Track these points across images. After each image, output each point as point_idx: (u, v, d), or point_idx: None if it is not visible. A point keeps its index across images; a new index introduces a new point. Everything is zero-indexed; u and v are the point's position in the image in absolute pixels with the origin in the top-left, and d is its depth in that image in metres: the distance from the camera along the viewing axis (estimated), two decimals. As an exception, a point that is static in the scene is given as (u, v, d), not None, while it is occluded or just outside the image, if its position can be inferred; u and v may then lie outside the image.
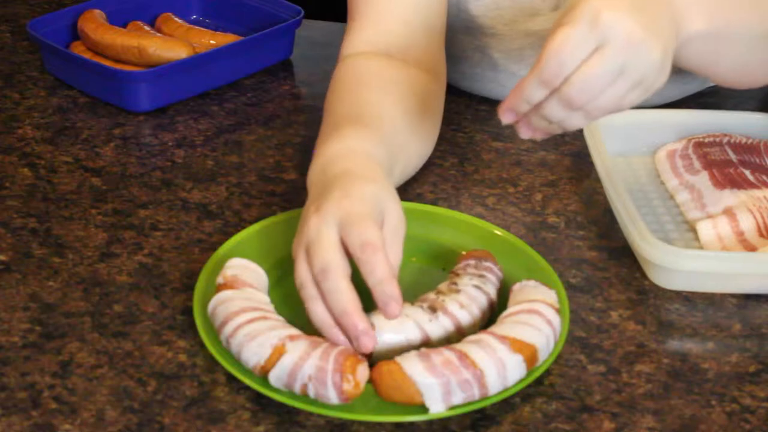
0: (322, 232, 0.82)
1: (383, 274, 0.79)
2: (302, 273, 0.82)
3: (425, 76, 1.09)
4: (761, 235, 0.98)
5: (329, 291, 0.80)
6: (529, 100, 0.84)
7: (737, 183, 1.03)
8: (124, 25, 1.29)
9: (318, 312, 0.81)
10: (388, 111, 1.00)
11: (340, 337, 0.80)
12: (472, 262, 0.89)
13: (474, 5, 1.16)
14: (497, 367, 0.78)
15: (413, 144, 1.03)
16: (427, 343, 0.82)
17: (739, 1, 0.96)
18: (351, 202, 0.83)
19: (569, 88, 0.82)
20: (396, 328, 0.81)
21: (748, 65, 1.03)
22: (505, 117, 0.87)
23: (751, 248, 0.97)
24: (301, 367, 0.77)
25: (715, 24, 0.92)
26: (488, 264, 0.89)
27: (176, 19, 1.32)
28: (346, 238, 0.81)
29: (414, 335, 0.82)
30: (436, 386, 0.77)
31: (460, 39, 1.21)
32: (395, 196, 0.87)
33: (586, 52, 0.81)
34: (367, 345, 0.79)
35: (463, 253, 0.91)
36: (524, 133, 0.89)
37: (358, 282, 0.81)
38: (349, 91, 1.04)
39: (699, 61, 0.99)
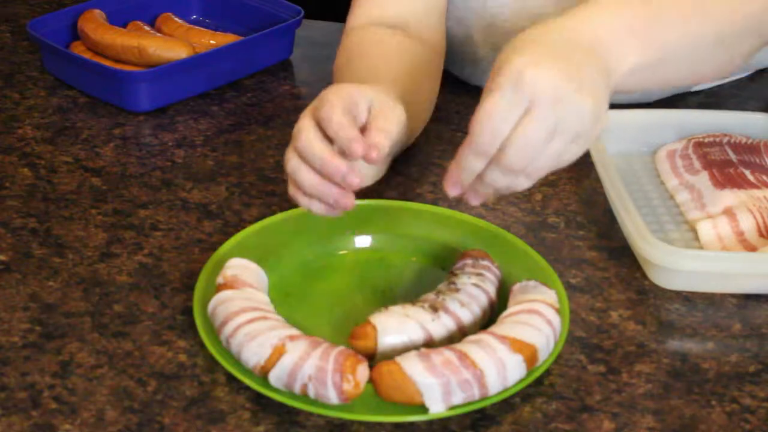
0: (300, 120, 0.88)
1: (339, 122, 0.84)
2: (287, 154, 0.88)
3: (425, 48, 1.13)
4: (761, 235, 0.98)
5: (304, 149, 0.85)
6: (469, 172, 0.83)
7: (737, 183, 1.03)
8: (124, 25, 1.29)
9: (305, 178, 0.85)
10: (394, 76, 1.03)
11: (334, 190, 0.84)
12: (469, 261, 0.89)
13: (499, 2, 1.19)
14: (497, 367, 0.78)
15: (417, 106, 1.06)
16: (430, 343, 0.82)
17: (675, 20, 0.92)
18: (326, 92, 0.88)
19: (506, 156, 0.80)
20: (399, 329, 0.81)
21: (701, 72, 1.01)
22: (452, 191, 0.86)
23: (751, 248, 0.97)
24: (301, 367, 0.77)
25: (650, 53, 0.89)
26: (485, 263, 0.89)
27: (176, 19, 1.32)
28: (316, 114, 0.87)
29: (417, 336, 0.82)
30: (436, 386, 0.77)
31: (481, 36, 1.21)
32: (386, 92, 0.91)
33: (516, 116, 0.79)
34: (354, 181, 0.83)
35: (461, 252, 0.92)
36: (474, 201, 0.87)
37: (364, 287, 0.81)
38: (354, 61, 1.08)
39: (647, 85, 0.97)
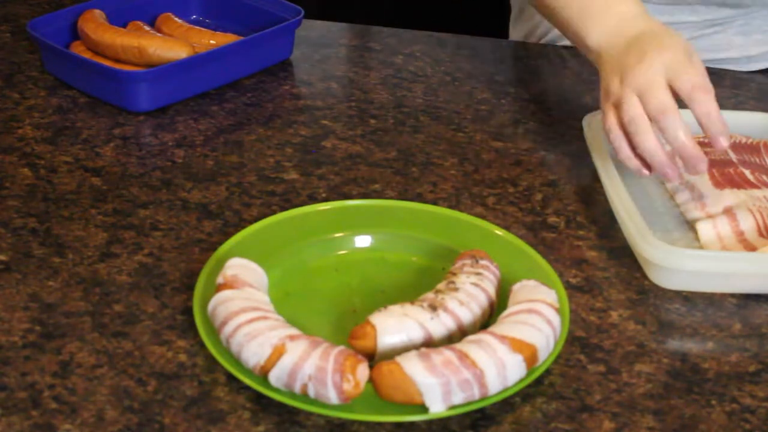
0: (653, 81, 0.96)
1: (715, 110, 0.95)
2: (633, 109, 0.97)
3: None
4: (761, 235, 0.98)
5: (668, 127, 0.95)
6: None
7: (737, 183, 1.03)
8: (124, 25, 1.29)
9: (652, 143, 0.96)
10: None
11: (674, 172, 0.97)
12: (468, 261, 0.89)
13: None
14: (497, 367, 0.78)
15: None
16: (429, 342, 0.82)
17: None
18: (672, 53, 0.98)
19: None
20: (398, 328, 0.81)
21: None
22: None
23: (751, 248, 0.97)
24: (301, 367, 0.77)
25: None
26: (485, 262, 0.89)
27: (176, 19, 1.32)
28: (675, 81, 0.96)
29: (416, 335, 0.82)
30: (436, 386, 0.77)
31: None
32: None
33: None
34: (703, 168, 0.96)
35: (461, 252, 0.92)
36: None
37: (372, 285, 0.80)
38: None
39: None
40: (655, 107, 0.95)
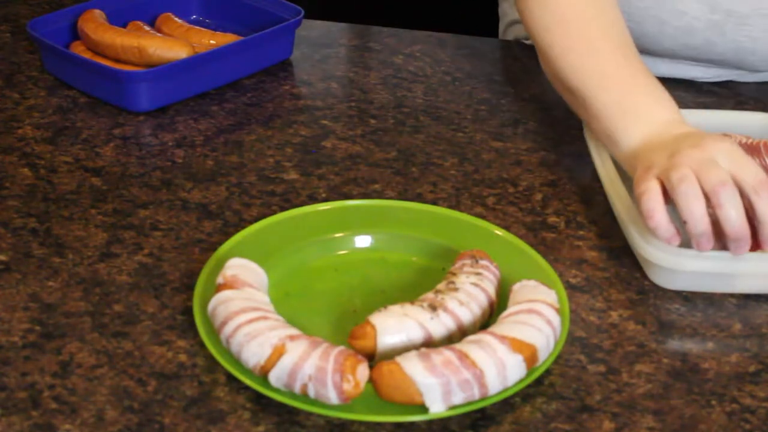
0: (712, 160, 0.91)
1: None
2: (686, 171, 0.90)
3: None
4: (761, 235, 0.98)
5: (725, 203, 0.89)
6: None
7: (737, 183, 1.03)
8: (124, 25, 1.29)
9: (701, 209, 0.90)
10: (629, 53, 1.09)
11: (710, 246, 0.91)
12: (468, 261, 0.89)
13: None
14: (497, 367, 0.78)
15: None
16: (429, 342, 0.82)
17: None
18: (730, 145, 0.93)
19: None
20: (398, 328, 0.81)
21: None
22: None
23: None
24: (301, 367, 0.77)
25: None
26: (484, 262, 0.89)
27: (176, 19, 1.32)
28: (738, 171, 0.90)
29: (416, 335, 0.82)
30: (436, 386, 0.77)
31: None
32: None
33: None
34: (746, 249, 0.91)
35: (461, 252, 0.92)
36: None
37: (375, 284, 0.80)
38: (588, 53, 1.09)
39: None
40: (714, 179, 0.89)
